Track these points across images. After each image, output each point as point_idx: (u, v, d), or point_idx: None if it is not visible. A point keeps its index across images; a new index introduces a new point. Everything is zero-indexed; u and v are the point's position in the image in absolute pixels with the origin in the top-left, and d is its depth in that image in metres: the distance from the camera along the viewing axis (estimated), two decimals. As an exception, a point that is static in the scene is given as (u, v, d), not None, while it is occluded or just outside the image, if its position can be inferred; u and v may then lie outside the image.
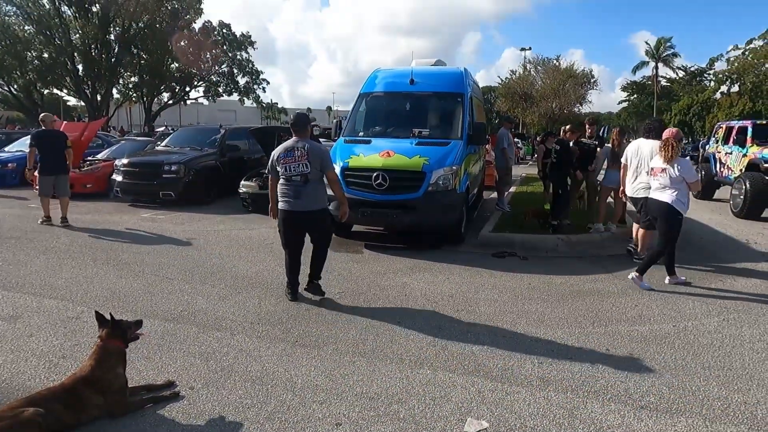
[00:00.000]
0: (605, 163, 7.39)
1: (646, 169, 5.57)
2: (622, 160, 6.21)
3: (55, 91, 39.35)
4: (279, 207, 4.53)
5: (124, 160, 10.07)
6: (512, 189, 11.48)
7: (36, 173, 7.72)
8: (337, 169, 6.52)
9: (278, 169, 4.45)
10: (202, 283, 5.09)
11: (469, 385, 3.16)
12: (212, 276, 5.32)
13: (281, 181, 4.49)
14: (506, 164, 8.86)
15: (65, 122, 11.81)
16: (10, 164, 12.24)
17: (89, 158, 11.55)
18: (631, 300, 4.79)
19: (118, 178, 9.95)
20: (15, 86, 35.08)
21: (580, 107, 43.33)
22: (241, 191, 9.31)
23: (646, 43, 49.37)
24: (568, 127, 7.34)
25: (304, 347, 3.67)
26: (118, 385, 2.76)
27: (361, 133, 7.36)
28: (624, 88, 55.89)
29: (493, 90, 53.64)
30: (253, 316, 4.24)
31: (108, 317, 2.88)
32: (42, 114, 8.51)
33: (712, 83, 41.73)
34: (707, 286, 5.25)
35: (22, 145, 13.36)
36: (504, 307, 4.58)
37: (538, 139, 10.94)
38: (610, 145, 7.32)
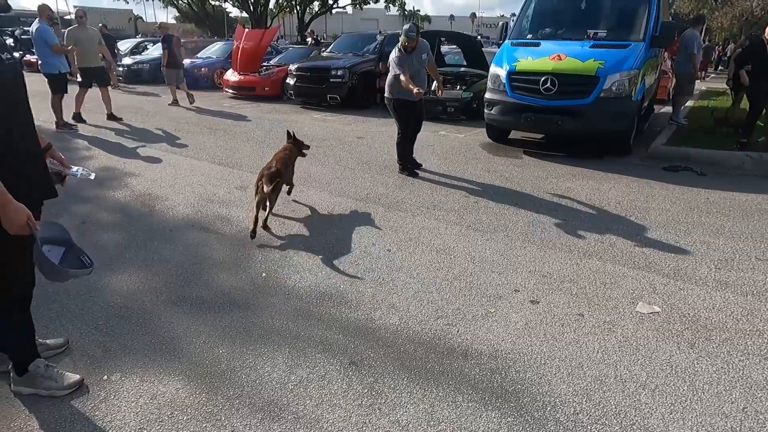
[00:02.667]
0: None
1: None
2: None
3: (222, 4, 43.09)
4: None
5: (296, 65, 11.06)
6: (689, 103, 10.21)
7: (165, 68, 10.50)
8: (503, 73, 6.56)
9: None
10: (379, 173, 5.75)
11: (639, 277, 3.34)
12: (386, 168, 5.95)
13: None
14: (693, 71, 7.87)
15: (247, 30, 13.10)
16: (203, 69, 14.16)
17: (265, 64, 12.84)
18: (835, 223, 4.32)
19: (291, 82, 11.05)
20: (192, -1, 39.27)
21: (793, 6, 34.79)
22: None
23: None
24: None
25: (477, 231, 4.11)
26: (293, 169, 4.59)
27: (529, 36, 7.11)
28: None
29: (675, -12, 45.08)
30: (428, 203, 4.77)
31: (291, 133, 4.81)
32: (160, 23, 12.12)
33: None
34: None
35: (211, 52, 15.28)
36: (677, 217, 4.48)
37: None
38: None
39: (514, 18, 7.63)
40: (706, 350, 2.57)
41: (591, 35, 6.58)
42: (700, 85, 13.94)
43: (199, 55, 15.14)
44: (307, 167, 5.96)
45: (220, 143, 7.19)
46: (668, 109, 9.30)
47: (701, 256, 3.67)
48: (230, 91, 12.39)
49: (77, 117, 8.44)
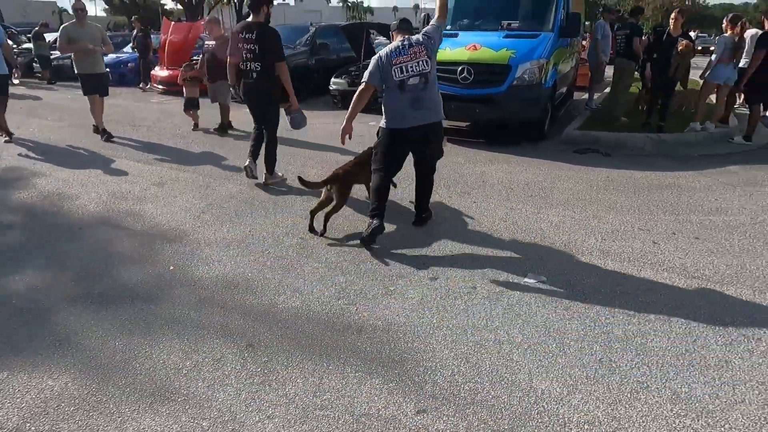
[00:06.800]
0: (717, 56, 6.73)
1: None
2: None
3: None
4: (387, 126, 3.72)
5: (226, 59, 10.84)
6: (608, 89, 10.84)
7: None
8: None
9: (393, 72, 3.57)
10: (303, 165, 5.81)
11: (533, 252, 3.60)
12: (311, 159, 6.03)
13: (391, 92, 3.64)
14: (597, 58, 8.38)
15: (173, 23, 12.68)
16: (129, 64, 13.58)
17: (194, 58, 12.47)
18: (712, 194, 4.80)
19: (222, 75, 10.82)
20: (120, -10, 37.35)
21: (707, -3, 37.50)
22: (331, 88, 9.79)
23: None
24: (674, 14, 6.62)
25: (393, 216, 4.25)
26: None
27: (448, 27, 7.32)
28: (769, -29, 46.83)
29: (602, -21, 47.43)
30: (352, 191, 4.87)
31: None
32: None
33: None
34: (804, 186, 5.05)
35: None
36: (577, 195, 4.82)
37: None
38: (728, 34, 6.60)
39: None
40: (579, 312, 2.84)
41: (505, 26, 6.89)
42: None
43: (125, 49, 14.49)
44: (233, 162, 5.96)
45: (142, 140, 7.00)
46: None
47: (591, 229, 3.99)
48: (159, 86, 11.99)
49: (104, 132, 7.01)
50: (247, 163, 4.99)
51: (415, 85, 3.60)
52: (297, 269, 3.33)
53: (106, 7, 47.34)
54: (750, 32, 7.31)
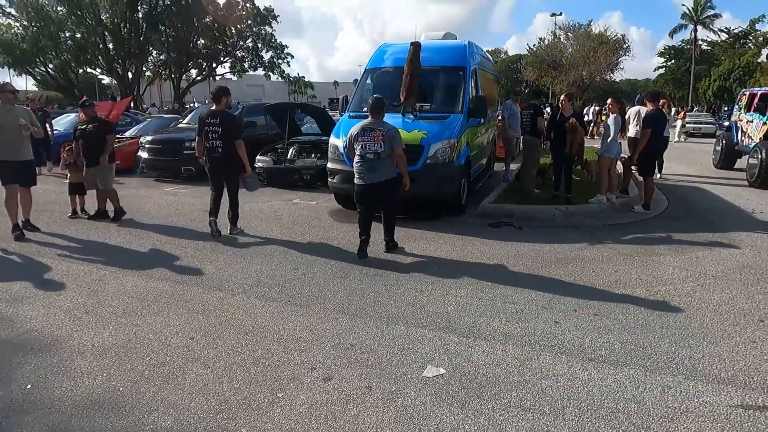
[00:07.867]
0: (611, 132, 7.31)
1: None
2: None
3: (90, 70, 40.74)
4: (355, 182, 5.29)
5: (149, 138, 10.65)
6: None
7: None
8: (341, 144, 6.87)
9: (355, 146, 5.19)
10: (212, 250, 5.56)
11: (436, 339, 3.51)
12: (222, 244, 5.79)
13: (356, 159, 5.21)
14: (506, 134, 8.99)
15: (95, 102, 12.39)
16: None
17: (117, 136, 12.15)
18: (612, 267, 5.00)
19: (144, 155, 10.56)
20: (51, 66, 36.55)
21: (612, 75, 41.91)
22: (256, 166, 9.73)
23: (683, 5, 46.74)
24: (562, 97, 7.29)
25: (295, 306, 4.08)
26: None
27: (365, 109, 7.56)
28: (661, 54, 53.54)
29: (523, 58, 52.33)
30: (253, 279, 4.67)
31: None
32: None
33: (754, 46, 39.95)
34: (694, 254, 5.39)
35: (60, 124, 14.08)
36: (486, 273, 4.85)
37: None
38: (614, 114, 7.26)
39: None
40: (474, 409, 2.72)
41: (417, 108, 7.22)
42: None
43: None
44: (135, 249, 5.61)
45: (40, 228, 6.50)
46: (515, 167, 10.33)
47: (497, 310, 3.98)
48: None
49: (26, 225, 6.29)
50: (209, 221, 5.97)
51: (371, 158, 5.12)
52: (178, 378, 3.02)
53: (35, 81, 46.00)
54: (634, 110, 8.14)
